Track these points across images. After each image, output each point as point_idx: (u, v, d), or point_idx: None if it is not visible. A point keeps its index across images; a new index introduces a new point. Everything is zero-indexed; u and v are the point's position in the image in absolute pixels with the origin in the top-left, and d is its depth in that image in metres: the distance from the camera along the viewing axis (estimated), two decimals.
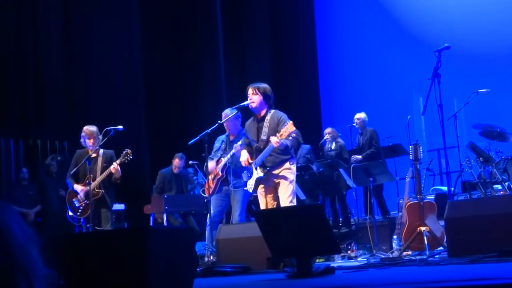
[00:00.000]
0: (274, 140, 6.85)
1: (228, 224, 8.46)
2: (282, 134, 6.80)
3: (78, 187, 8.57)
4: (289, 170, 7.16)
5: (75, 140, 12.19)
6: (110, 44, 13.12)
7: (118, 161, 8.31)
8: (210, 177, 8.41)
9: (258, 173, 7.14)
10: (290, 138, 6.86)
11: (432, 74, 7.36)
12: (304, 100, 15.41)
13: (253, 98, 7.23)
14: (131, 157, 8.33)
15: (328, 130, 11.24)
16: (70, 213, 9.06)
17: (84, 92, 12.86)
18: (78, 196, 8.53)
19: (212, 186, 8.43)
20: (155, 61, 14.22)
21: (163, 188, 11.42)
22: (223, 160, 8.43)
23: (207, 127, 7.96)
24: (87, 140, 8.52)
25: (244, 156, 7.33)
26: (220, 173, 8.43)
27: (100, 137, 8.52)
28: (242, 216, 8.39)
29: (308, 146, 10.99)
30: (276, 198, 7.22)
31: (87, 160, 8.44)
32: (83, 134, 8.56)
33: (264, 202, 7.28)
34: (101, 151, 8.60)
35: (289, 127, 6.78)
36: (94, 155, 8.56)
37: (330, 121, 14.01)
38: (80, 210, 8.52)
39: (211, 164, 8.37)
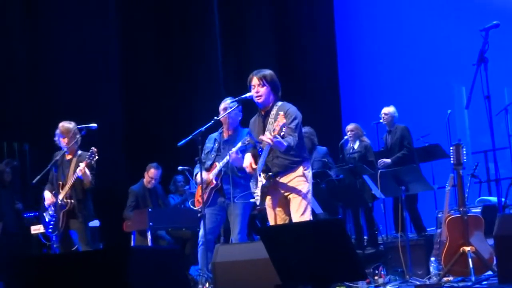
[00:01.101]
0: (265, 138, 6.74)
1: (227, 244, 8.44)
2: (274, 129, 6.69)
3: (47, 194, 8.52)
4: (302, 178, 7.03)
5: (38, 141, 12.24)
6: (80, 26, 13.13)
7: (83, 164, 8.23)
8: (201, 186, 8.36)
9: (261, 179, 7.06)
10: (283, 133, 6.74)
11: (477, 58, 7.34)
12: (320, 92, 15.38)
13: (260, 91, 7.11)
14: (97, 157, 8.25)
15: (350, 126, 11.21)
16: (42, 230, 9.04)
17: (50, 83, 12.86)
18: (48, 209, 8.49)
19: (204, 197, 8.37)
20: (136, 47, 14.20)
21: (137, 207, 11.41)
22: (218, 166, 8.38)
23: (201, 125, 7.93)
24: (61, 139, 8.49)
25: (247, 161, 7.25)
26: (214, 182, 8.37)
27: (79, 136, 8.48)
28: (243, 233, 8.35)
29: (324, 149, 10.98)
30: (288, 213, 7.13)
31: (53, 165, 8.42)
32: (57, 131, 8.54)
33: (272, 216, 7.16)
34: (78, 152, 8.56)
35: (279, 119, 6.67)
36: (69, 156, 8.53)
37: (352, 117, 13.97)
38: (51, 227, 8.45)
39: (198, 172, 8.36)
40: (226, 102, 8.40)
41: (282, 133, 6.71)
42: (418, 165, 10.59)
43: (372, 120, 11.80)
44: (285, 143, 6.78)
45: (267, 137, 6.71)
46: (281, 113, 6.75)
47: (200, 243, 8.33)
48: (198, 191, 8.50)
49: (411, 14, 14.94)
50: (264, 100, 7.13)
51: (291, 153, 6.96)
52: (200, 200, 8.40)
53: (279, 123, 6.66)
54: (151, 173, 11.50)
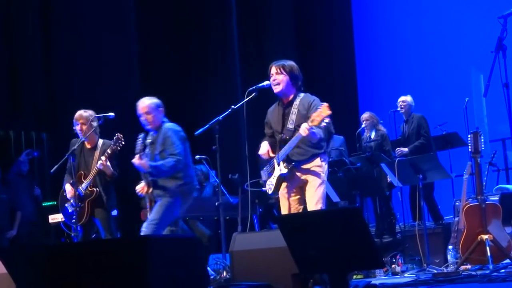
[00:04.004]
0: (303, 127, 6.73)
1: (245, 233, 8.44)
2: (313, 120, 6.65)
3: (68, 187, 8.54)
4: (319, 168, 7.09)
5: (55, 130, 12.28)
6: (97, 14, 13.12)
7: (109, 150, 8.21)
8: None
9: (281, 169, 7.09)
10: (324, 124, 6.74)
11: (495, 46, 7.29)
12: (337, 81, 15.36)
13: (278, 79, 7.15)
14: (123, 143, 8.26)
15: (365, 115, 11.22)
16: (63, 219, 9.06)
17: (67, 72, 12.86)
18: (70, 199, 8.49)
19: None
20: (153, 35, 14.20)
21: None
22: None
23: (218, 114, 7.93)
24: (77, 127, 8.50)
25: (264, 149, 7.28)
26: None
27: (96, 124, 8.47)
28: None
29: (341, 137, 10.97)
30: (303, 202, 7.18)
31: (71, 155, 8.43)
32: (74, 119, 8.55)
33: (286, 205, 7.24)
34: (100, 141, 8.55)
35: (322, 111, 6.62)
36: (89, 146, 8.55)
37: (369, 105, 13.97)
38: (74, 217, 8.47)
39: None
40: (144, 101, 8.31)
41: (324, 124, 6.71)
42: (435, 153, 10.58)
43: (389, 108, 11.77)
44: (317, 135, 6.82)
45: (304, 127, 6.71)
46: (326, 104, 6.72)
47: None
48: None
49: (429, 2, 14.87)
50: (282, 89, 7.15)
51: (312, 144, 7.00)
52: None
53: (322, 113, 6.63)
54: None
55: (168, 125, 8.16)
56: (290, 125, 7.06)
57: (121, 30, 13.43)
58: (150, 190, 8.06)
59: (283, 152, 7.06)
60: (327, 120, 6.67)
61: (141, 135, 8.30)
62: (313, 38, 15.72)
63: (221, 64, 14.66)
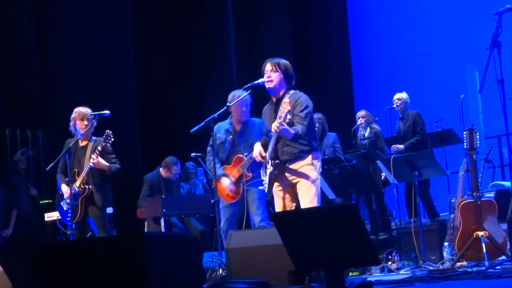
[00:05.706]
0: (273, 125, 6.76)
1: (240, 230, 8.43)
2: (280, 117, 6.73)
3: (64, 187, 8.50)
4: (311, 166, 7.07)
5: (51, 128, 12.27)
6: (93, 13, 13.11)
7: (99, 147, 8.20)
8: (230, 179, 8.35)
9: (269, 167, 7.10)
10: (287, 120, 6.72)
11: (490, 42, 7.30)
12: (332, 78, 15.36)
13: (272, 76, 7.15)
14: (112, 139, 8.24)
15: (361, 113, 11.22)
16: (58, 217, 9.04)
17: (63, 70, 12.86)
18: (66, 198, 8.46)
19: (240, 191, 8.34)
20: (149, 33, 14.20)
21: (152, 196, 11.38)
22: (245, 159, 8.33)
23: (213, 111, 7.93)
24: (79, 123, 8.44)
25: (257, 150, 7.28)
26: (250, 174, 8.31)
27: (94, 122, 8.46)
28: (265, 216, 8.29)
29: (334, 134, 10.97)
30: (295, 199, 7.16)
31: (67, 153, 8.40)
32: (73, 115, 8.50)
33: (280, 204, 7.22)
34: (93, 138, 8.54)
35: (285, 106, 6.72)
36: (83, 143, 8.52)
37: (365, 102, 13.97)
38: (69, 215, 8.46)
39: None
40: (235, 93, 8.36)
41: (287, 120, 6.73)
42: (431, 150, 10.58)
43: (385, 105, 11.77)
44: (292, 131, 6.84)
45: (274, 125, 6.74)
46: (287, 100, 6.79)
47: (224, 228, 8.33)
48: (222, 187, 8.43)
49: None
50: (275, 86, 7.15)
51: (300, 141, 7.01)
52: (231, 194, 8.37)
53: (284, 110, 6.70)
54: (174, 170, 11.41)
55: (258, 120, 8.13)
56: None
57: (117, 29, 13.43)
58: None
59: (269, 150, 7.08)
60: (289, 116, 6.70)
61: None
62: (309, 36, 15.71)
63: (217, 62, 14.67)
